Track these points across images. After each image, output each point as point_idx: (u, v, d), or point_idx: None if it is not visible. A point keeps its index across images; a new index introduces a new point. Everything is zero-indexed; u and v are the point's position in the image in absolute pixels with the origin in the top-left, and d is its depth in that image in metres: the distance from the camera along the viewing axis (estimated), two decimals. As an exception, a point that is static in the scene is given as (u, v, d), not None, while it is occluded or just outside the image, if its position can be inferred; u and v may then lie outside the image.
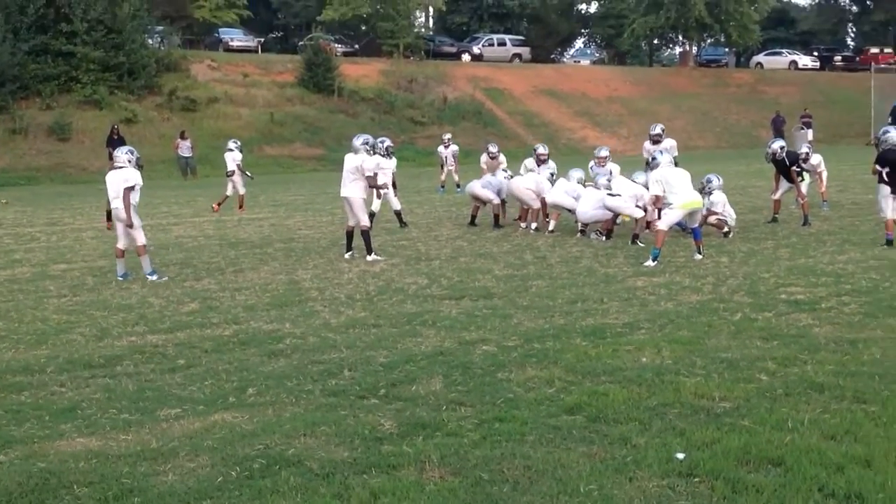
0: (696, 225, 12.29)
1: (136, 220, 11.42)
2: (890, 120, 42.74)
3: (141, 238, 11.52)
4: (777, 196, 15.94)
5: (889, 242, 12.56)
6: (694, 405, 5.97)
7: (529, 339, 7.93)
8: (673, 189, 11.84)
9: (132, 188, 11.41)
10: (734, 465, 4.90)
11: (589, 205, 14.05)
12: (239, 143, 20.79)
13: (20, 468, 5.09)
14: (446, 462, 5.05)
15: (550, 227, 14.98)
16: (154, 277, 11.37)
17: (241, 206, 19.72)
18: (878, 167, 12.83)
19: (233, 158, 19.67)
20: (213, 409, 6.14)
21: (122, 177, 11.44)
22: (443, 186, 23.90)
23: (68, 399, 6.46)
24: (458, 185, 23.38)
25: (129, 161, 11.61)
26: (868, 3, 70.48)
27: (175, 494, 4.68)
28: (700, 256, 11.98)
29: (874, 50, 59.76)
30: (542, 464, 4.99)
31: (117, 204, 11.47)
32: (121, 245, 11.66)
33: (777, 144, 15.79)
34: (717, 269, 11.25)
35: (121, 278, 11.54)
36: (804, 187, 15.59)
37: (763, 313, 8.72)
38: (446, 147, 24.15)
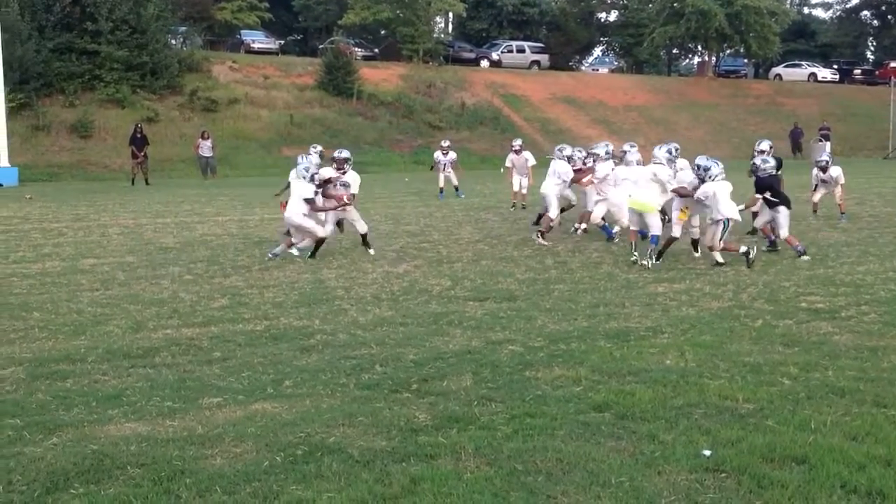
0: (655, 232, 12.54)
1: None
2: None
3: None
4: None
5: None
6: (718, 406, 6.16)
7: (554, 340, 8.13)
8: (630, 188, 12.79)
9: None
10: (759, 462, 5.09)
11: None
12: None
13: (73, 450, 5.32)
14: (481, 453, 5.26)
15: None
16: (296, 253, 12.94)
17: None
18: (757, 196, 13.25)
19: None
20: (253, 399, 6.37)
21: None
22: (442, 191, 23.70)
23: (112, 387, 6.69)
24: (457, 189, 23.54)
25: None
26: (889, 17, 70.42)
27: (224, 477, 4.91)
28: (646, 263, 12.20)
29: (894, 64, 59.64)
30: (574, 457, 5.18)
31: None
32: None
33: (766, 144, 15.52)
34: (737, 277, 11.41)
35: (271, 256, 12.91)
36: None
37: (784, 320, 8.89)
38: (444, 154, 24.10)
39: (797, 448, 5.29)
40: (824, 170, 17.42)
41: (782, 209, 13.04)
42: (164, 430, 5.68)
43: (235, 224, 17.75)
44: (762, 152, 14.89)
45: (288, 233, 13.37)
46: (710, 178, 11.92)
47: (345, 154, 13.97)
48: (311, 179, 12.98)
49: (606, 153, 15.10)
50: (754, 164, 13.76)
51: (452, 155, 24.26)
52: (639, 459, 5.16)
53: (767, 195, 13.06)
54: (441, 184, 23.86)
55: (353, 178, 13.69)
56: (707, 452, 5.23)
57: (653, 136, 46.43)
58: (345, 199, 13.25)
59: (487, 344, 8.00)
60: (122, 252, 13.96)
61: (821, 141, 41.59)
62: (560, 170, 15.28)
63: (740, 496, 4.69)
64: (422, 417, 5.93)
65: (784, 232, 13.09)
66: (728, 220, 11.92)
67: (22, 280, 11.40)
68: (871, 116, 49.91)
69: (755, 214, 14.28)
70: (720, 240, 11.98)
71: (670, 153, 13.69)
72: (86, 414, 6.02)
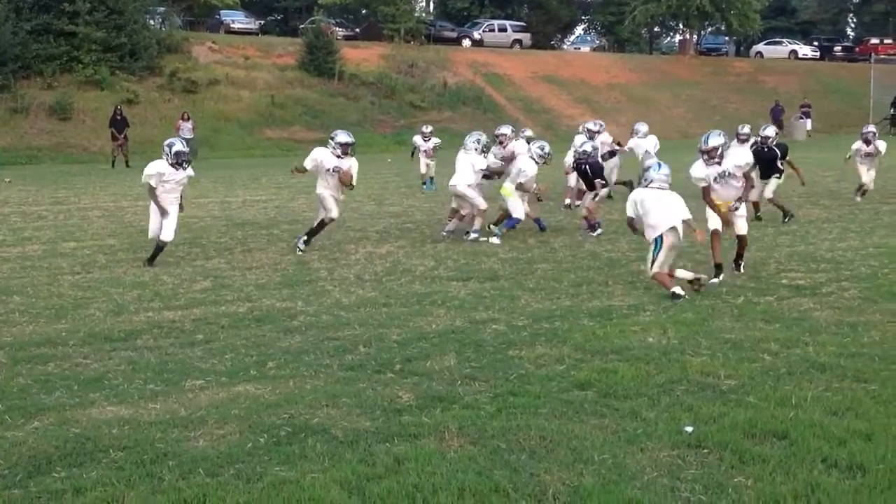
0: (516, 215, 13.12)
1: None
2: (892, 111, 42.97)
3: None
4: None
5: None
6: (700, 382, 6.20)
7: (538, 319, 8.15)
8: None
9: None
10: (741, 438, 5.13)
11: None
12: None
13: (55, 433, 5.30)
14: (465, 432, 5.27)
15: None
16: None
17: None
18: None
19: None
20: (236, 380, 6.36)
21: None
22: (430, 180, 21.18)
23: (94, 370, 6.66)
24: (432, 179, 21.14)
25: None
26: (868, -7, 70.52)
27: (208, 458, 4.90)
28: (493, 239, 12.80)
29: (874, 41, 59.95)
30: (557, 435, 5.21)
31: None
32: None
33: (771, 130, 15.12)
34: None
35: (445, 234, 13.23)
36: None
37: (765, 297, 8.94)
38: (426, 140, 21.34)
39: (778, 423, 5.33)
40: (868, 142, 16.62)
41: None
42: (147, 413, 5.67)
43: (217, 206, 17.65)
44: (767, 138, 14.65)
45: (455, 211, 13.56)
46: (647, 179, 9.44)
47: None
48: (483, 152, 13.34)
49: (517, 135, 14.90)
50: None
51: (435, 141, 21.56)
52: (621, 436, 5.19)
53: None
54: (423, 170, 21.26)
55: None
56: (689, 429, 5.26)
57: (635, 115, 46.49)
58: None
59: (471, 324, 8.01)
60: (102, 235, 13.87)
61: (801, 118, 41.74)
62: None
63: (722, 471, 4.72)
64: (405, 397, 5.94)
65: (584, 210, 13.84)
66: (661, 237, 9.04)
67: (1, 264, 11.30)
68: (852, 93, 50.08)
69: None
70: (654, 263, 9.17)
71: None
72: (67, 397, 6.00)
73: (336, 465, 4.81)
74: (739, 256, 10.31)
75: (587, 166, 13.93)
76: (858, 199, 16.86)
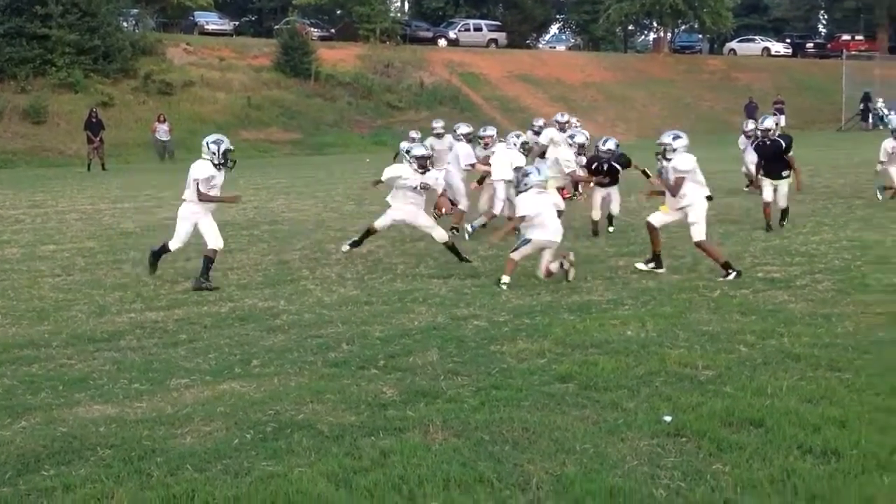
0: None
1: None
2: (861, 106, 43.52)
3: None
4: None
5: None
6: (678, 373, 6.32)
7: (518, 314, 8.25)
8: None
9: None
10: (718, 426, 5.25)
11: None
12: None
13: (42, 432, 5.33)
14: (449, 425, 5.36)
15: None
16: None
17: None
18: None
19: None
20: (221, 378, 6.41)
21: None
22: None
23: (78, 370, 6.69)
24: None
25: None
26: (840, -10, 71.26)
27: (195, 455, 4.95)
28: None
29: (845, 37, 60.63)
30: (540, 426, 5.31)
31: None
32: None
33: (770, 121, 14.20)
34: (694, 249, 11.56)
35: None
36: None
37: (741, 290, 9.09)
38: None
39: (754, 412, 5.45)
40: None
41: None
42: (133, 412, 5.72)
43: (195, 207, 17.61)
44: (766, 130, 13.70)
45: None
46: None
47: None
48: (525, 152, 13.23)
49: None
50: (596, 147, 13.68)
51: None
52: (602, 427, 5.29)
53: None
54: None
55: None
56: (668, 418, 5.38)
57: (612, 113, 46.78)
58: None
59: (452, 320, 8.11)
60: (81, 238, 13.84)
61: (775, 115, 42.05)
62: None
63: (700, 459, 4.84)
64: (389, 392, 6.02)
65: (616, 208, 13.57)
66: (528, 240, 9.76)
67: (-20, 268, 11.28)
68: (824, 90, 50.63)
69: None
70: (517, 250, 9.83)
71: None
72: (53, 398, 6.03)
73: (322, 459, 4.88)
74: (722, 266, 9.81)
75: (613, 163, 13.35)
76: (880, 197, 16.10)
